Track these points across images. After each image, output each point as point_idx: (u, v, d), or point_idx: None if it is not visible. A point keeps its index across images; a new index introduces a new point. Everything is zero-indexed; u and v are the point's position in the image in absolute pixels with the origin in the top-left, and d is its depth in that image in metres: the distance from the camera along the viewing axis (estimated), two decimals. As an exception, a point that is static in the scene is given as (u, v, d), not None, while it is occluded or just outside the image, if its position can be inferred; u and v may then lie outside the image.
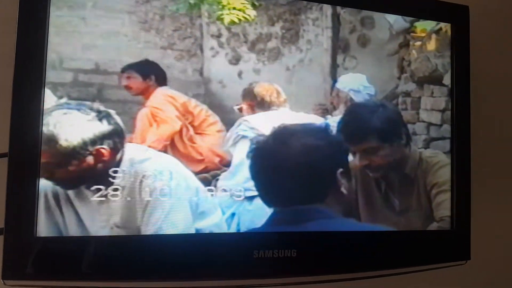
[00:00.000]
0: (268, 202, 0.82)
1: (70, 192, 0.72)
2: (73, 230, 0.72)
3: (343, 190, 0.85)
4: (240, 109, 0.84)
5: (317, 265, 0.86)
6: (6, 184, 0.69)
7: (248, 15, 0.83)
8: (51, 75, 0.71)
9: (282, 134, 0.84)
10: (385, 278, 0.91)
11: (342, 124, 0.89)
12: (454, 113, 0.97)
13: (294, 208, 0.83)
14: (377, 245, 0.89)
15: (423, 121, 0.96)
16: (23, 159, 0.70)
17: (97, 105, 0.73)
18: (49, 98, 0.71)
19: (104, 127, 0.73)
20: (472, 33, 0.99)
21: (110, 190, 0.74)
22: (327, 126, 0.87)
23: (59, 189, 0.72)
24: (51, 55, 0.71)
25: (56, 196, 0.72)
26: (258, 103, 0.84)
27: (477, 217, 0.99)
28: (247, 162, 0.81)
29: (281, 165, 0.83)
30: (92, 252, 0.73)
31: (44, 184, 0.71)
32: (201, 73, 0.81)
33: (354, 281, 0.89)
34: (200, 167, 0.81)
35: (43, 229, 0.71)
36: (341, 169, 0.85)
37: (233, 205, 0.82)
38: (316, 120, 0.87)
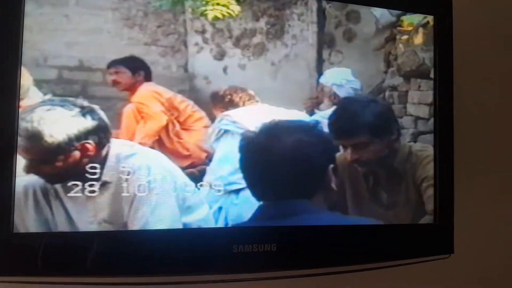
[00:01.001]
0: (257, 195, 0.83)
1: (58, 187, 0.73)
2: (62, 226, 0.73)
3: (333, 185, 0.86)
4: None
5: (297, 259, 0.86)
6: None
7: (232, 10, 0.84)
8: (35, 73, 0.72)
9: (274, 130, 0.85)
10: (367, 272, 0.91)
11: (334, 118, 0.90)
12: (437, 107, 0.97)
13: (282, 202, 0.84)
14: (359, 239, 0.89)
15: (411, 115, 0.96)
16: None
17: (80, 101, 0.74)
18: (35, 95, 0.72)
19: (88, 122, 0.74)
20: (455, 25, 0.99)
21: (97, 185, 0.74)
22: (317, 123, 0.88)
23: (47, 184, 0.73)
24: (35, 53, 0.72)
25: (45, 192, 0.73)
26: (229, 104, 0.85)
27: (461, 211, 0.99)
28: (236, 156, 0.82)
29: (272, 159, 0.84)
30: (70, 247, 0.73)
31: (32, 180, 0.72)
32: (185, 69, 0.82)
33: (335, 275, 0.89)
34: (187, 162, 0.81)
35: (33, 225, 0.72)
36: (332, 165, 0.86)
37: (219, 199, 0.82)
38: (299, 114, 0.88)
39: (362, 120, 0.92)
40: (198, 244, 0.79)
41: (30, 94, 0.71)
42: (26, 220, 0.71)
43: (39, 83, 0.72)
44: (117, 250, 0.75)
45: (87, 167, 0.74)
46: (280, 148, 0.84)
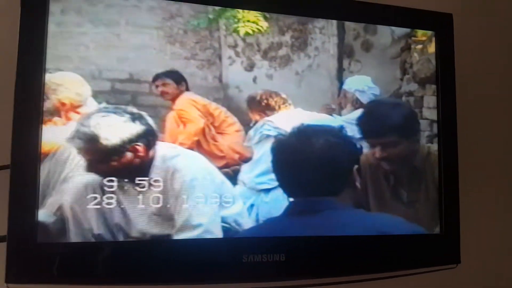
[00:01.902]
0: (288, 192, 0.90)
1: (114, 184, 0.81)
2: (117, 218, 0.81)
3: (358, 184, 0.93)
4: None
5: (306, 269, 0.87)
6: (8, 193, 0.73)
7: (261, 26, 0.92)
8: (92, 84, 0.81)
9: (304, 133, 0.92)
10: (374, 281, 0.92)
11: (364, 119, 0.96)
12: (441, 120, 1.00)
13: (311, 199, 0.90)
14: (366, 249, 0.90)
15: (426, 119, 1.01)
16: (24, 171, 0.75)
17: (130, 108, 0.83)
18: (91, 104, 0.81)
19: (137, 127, 0.82)
20: (456, 40, 1.02)
21: (147, 183, 0.82)
22: (342, 127, 0.95)
23: (104, 181, 0.81)
24: (92, 67, 0.81)
25: (102, 189, 0.81)
26: (265, 108, 0.92)
27: (467, 220, 1.00)
28: (269, 157, 0.90)
29: (302, 160, 0.91)
30: (89, 257, 0.78)
31: (92, 179, 0.80)
32: (220, 79, 0.90)
33: (343, 284, 0.90)
34: (222, 162, 0.89)
35: (93, 217, 0.79)
36: (356, 166, 0.93)
37: (251, 197, 0.90)
38: (331, 120, 0.95)
39: (391, 120, 0.98)
40: (207, 254, 0.81)
41: (88, 103, 0.81)
42: (86, 213, 0.79)
43: (95, 94, 0.81)
44: (124, 259, 0.79)
45: (138, 167, 0.82)
46: (311, 149, 0.91)
